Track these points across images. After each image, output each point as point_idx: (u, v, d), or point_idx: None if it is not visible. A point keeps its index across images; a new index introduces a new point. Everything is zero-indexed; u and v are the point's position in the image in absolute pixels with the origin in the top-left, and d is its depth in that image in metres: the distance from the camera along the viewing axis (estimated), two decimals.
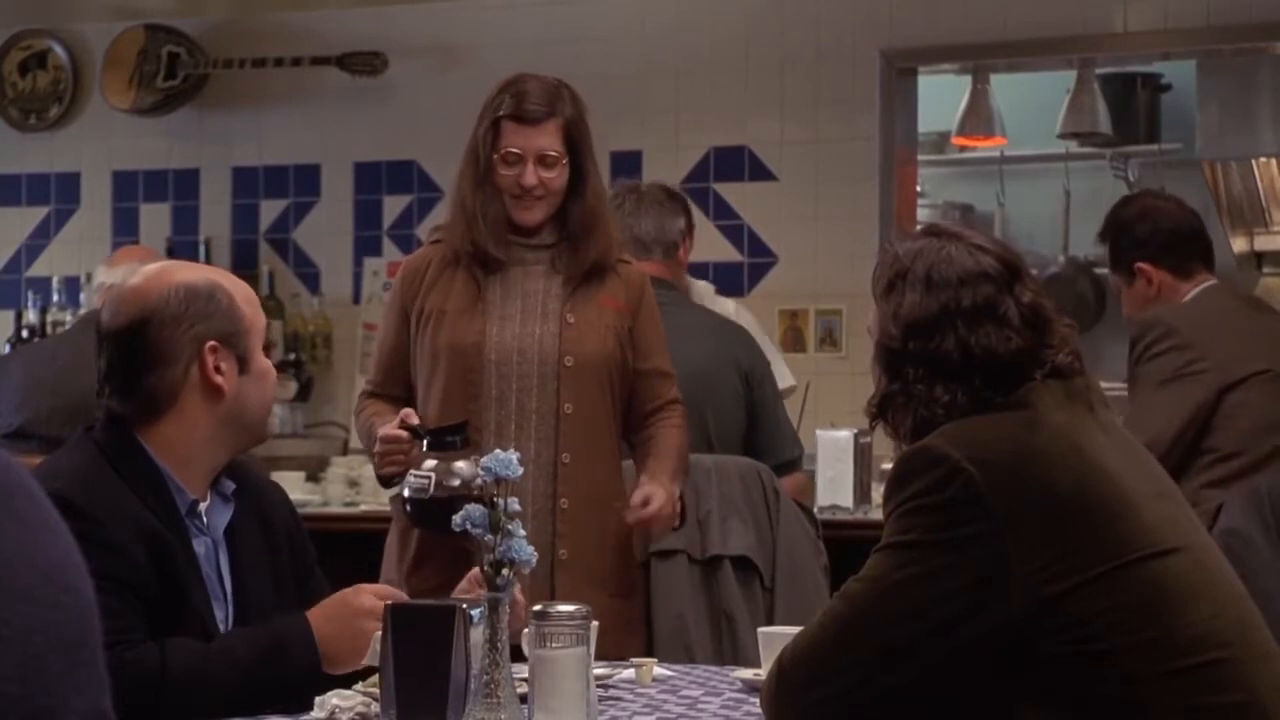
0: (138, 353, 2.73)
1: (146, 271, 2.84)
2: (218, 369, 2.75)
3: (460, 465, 3.35)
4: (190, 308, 2.74)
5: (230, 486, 2.81)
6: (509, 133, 3.70)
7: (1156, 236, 4.54)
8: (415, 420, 3.51)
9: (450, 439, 3.40)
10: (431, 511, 3.34)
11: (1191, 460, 4.32)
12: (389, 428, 3.54)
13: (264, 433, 2.89)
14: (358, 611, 2.71)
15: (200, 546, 2.74)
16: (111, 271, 5.25)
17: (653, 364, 3.82)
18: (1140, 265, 4.53)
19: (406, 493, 3.41)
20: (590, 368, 3.70)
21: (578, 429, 3.68)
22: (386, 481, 3.66)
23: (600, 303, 3.74)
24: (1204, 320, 4.40)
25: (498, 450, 2.46)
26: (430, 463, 3.38)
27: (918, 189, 7.05)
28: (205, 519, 2.76)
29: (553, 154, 3.69)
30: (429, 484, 3.34)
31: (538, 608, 2.45)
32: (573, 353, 3.69)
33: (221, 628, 2.72)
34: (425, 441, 3.43)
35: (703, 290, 5.39)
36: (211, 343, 2.74)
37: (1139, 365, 4.40)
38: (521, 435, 3.63)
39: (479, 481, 3.24)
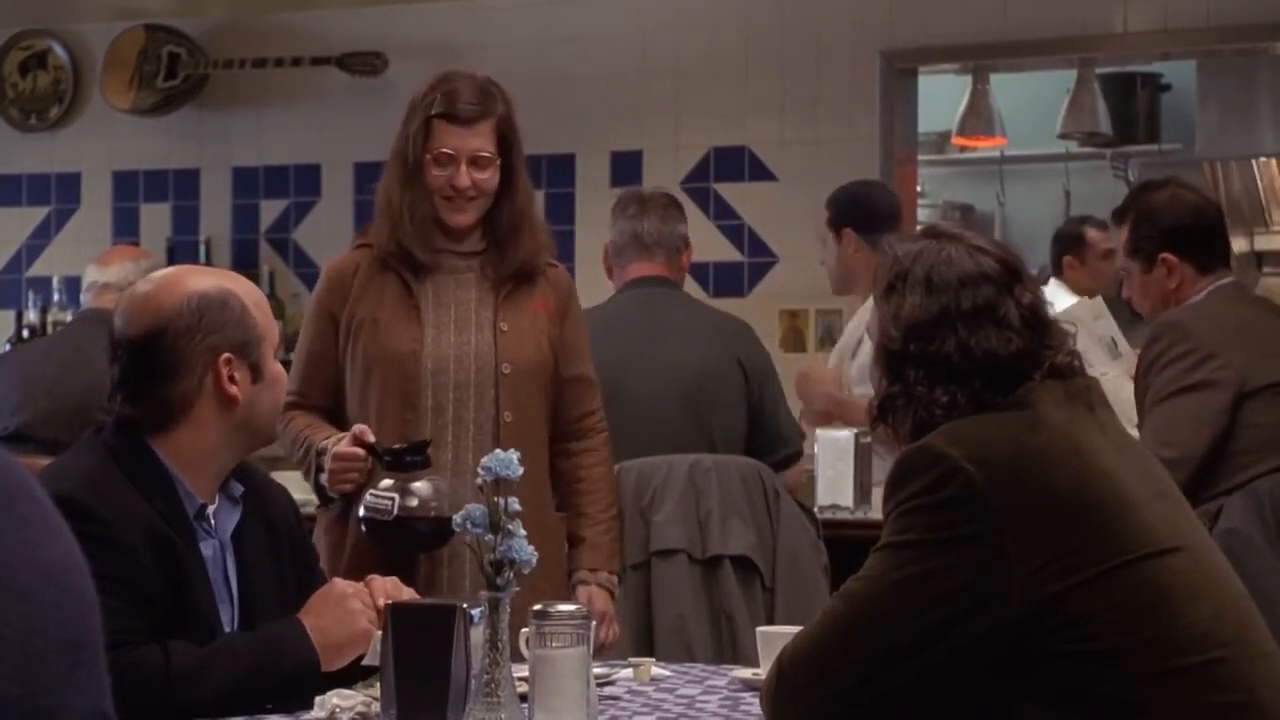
0: (152, 363, 2.73)
1: (158, 278, 2.83)
2: (231, 379, 2.75)
3: (418, 485, 3.29)
4: (204, 318, 2.73)
5: (239, 489, 2.82)
6: (441, 132, 3.62)
7: (1184, 227, 4.31)
8: (371, 438, 3.45)
9: (411, 459, 3.33)
10: (389, 532, 3.32)
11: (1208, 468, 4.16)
12: (343, 445, 3.48)
13: (273, 436, 2.91)
14: (341, 596, 2.73)
15: (208, 549, 2.74)
16: (104, 270, 5.24)
17: (578, 370, 3.77)
18: (1165, 256, 4.30)
19: (363, 512, 3.34)
20: (528, 375, 3.66)
21: (517, 438, 3.57)
22: (324, 494, 3.60)
23: (532, 309, 3.69)
24: (1222, 322, 4.22)
25: (498, 450, 2.45)
26: (388, 482, 3.32)
27: (918, 189, 7.05)
28: (213, 522, 2.77)
29: (486, 155, 3.62)
30: (392, 505, 3.28)
31: (537, 608, 2.45)
32: (510, 360, 3.64)
33: (227, 630, 2.72)
34: (384, 461, 3.37)
35: None
36: (226, 354, 2.74)
37: (1153, 372, 4.19)
38: (460, 446, 3.57)
39: (435, 504, 3.25)
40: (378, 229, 3.68)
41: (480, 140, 3.62)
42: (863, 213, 5.37)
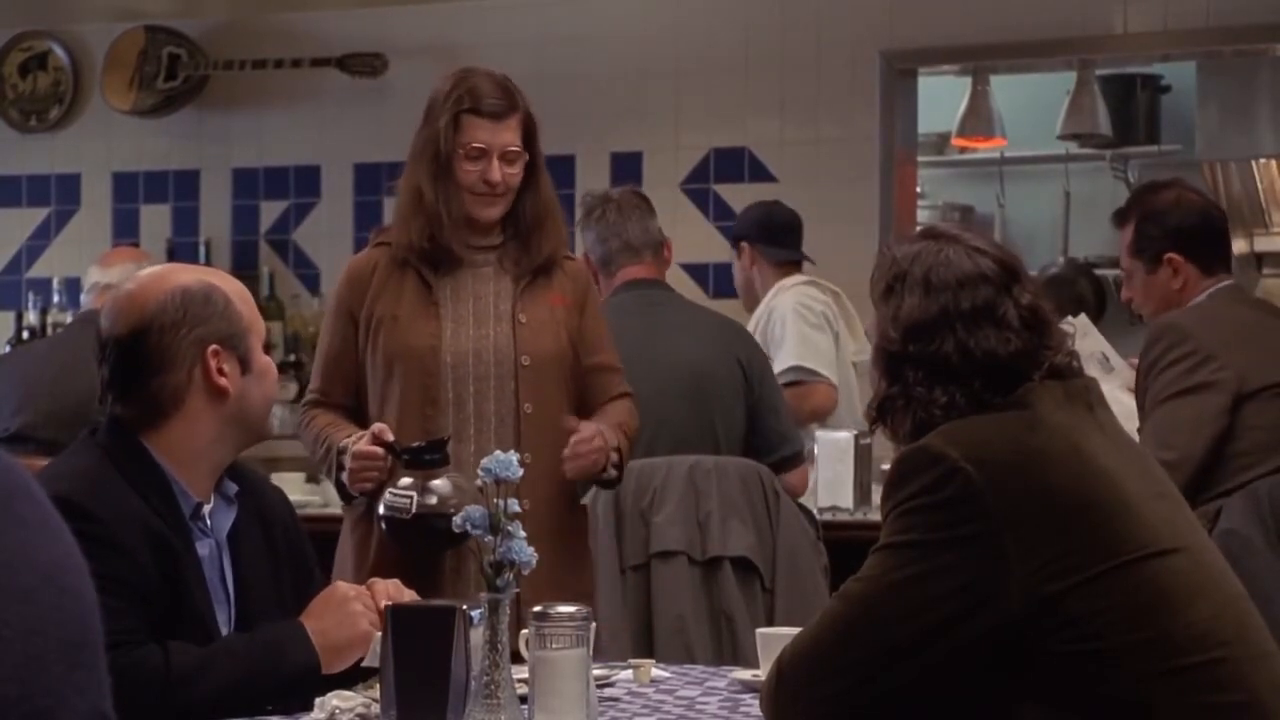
0: (140, 360, 2.74)
1: (142, 277, 2.84)
2: (220, 371, 2.75)
3: (437, 484, 3.31)
4: (188, 312, 2.74)
5: (233, 489, 2.82)
6: (472, 127, 3.66)
7: (1190, 228, 4.32)
8: (390, 437, 3.48)
9: (430, 457, 3.35)
10: (409, 530, 3.33)
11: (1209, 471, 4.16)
12: (363, 444, 3.50)
13: (266, 431, 2.90)
14: (343, 599, 2.74)
15: (204, 549, 2.74)
16: (105, 272, 5.25)
17: (600, 359, 3.79)
18: (1171, 256, 4.31)
19: (383, 510, 3.36)
20: (547, 367, 3.68)
21: (537, 429, 3.64)
22: (346, 492, 3.61)
23: (550, 302, 3.71)
24: (1220, 325, 4.23)
25: (497, 451, 2.45)
26: (407, 481, 3.34)
27: (917, 190, 7.04)
28: (209, 521, 2.77)
29: (515, 149, 3.67)
30: (410, 504, 3.30)
31: (537, 608, 2.45)
32: (529, 352, 3.66)
33: (224, 630, 2.72)
34: (404, 460, 3.38)
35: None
36: (213, 346, 2.75)
37: (1152, 375, 4.20)
38: (481, 438, 3.58)
39: (455, 501, 3.26)
40: (404, 226, 3.69)
41: (509, 135, 3.67)
42: (757, 226, 5.50)
